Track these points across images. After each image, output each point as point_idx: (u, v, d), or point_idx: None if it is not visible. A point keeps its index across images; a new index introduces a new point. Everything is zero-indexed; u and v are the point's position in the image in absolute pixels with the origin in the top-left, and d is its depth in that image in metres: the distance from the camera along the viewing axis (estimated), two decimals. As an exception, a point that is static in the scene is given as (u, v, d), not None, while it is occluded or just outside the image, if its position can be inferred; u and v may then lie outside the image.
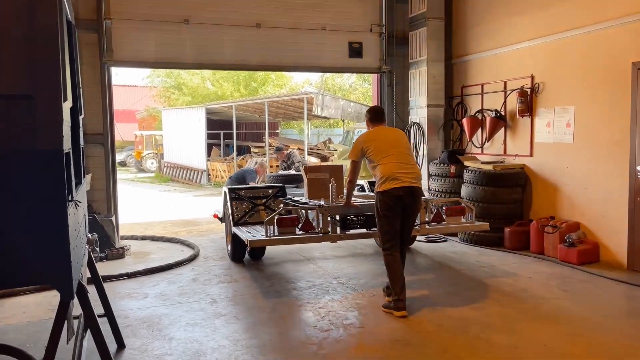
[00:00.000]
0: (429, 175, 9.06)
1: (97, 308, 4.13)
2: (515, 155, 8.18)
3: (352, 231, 6.01)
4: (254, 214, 6.84)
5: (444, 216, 6.24)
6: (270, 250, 7.57)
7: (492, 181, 7.74)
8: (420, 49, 9.36)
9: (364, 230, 6.02)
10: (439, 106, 9.36)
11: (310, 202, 6.49)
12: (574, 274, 6.30)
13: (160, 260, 7.31)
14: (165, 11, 8.56)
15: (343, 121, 23.13)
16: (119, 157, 33.61)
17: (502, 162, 8.21)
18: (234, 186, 7.52)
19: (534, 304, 5.25)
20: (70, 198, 2.80)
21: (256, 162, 11.89)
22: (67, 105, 2.86)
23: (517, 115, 7.97)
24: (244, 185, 8.60)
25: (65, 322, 3.02)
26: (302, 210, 6.06)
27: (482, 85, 8.86)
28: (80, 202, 3.48)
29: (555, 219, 7.27)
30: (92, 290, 3.82)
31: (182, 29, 8.66)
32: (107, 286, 6.11)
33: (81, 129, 4.11)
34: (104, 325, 4.07)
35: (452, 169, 8.51)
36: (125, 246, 8.08)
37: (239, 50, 9.03)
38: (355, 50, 9.65)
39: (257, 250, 7.08)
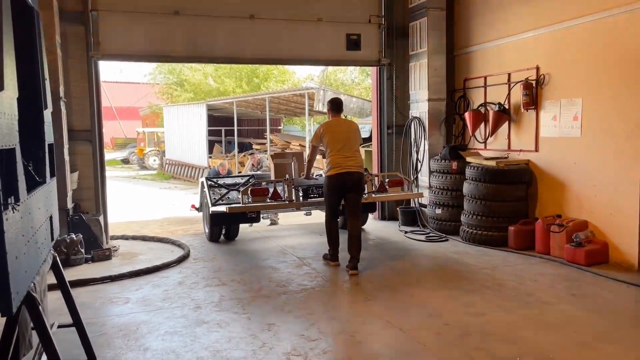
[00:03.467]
0: (430, 172, 8.71)
1: (66, 317, 3.84)
2: (520, 151, 7.81)
3: (311, 199, 7.54)
4: (229, 198, 7.87)
5: (387, 187, 7.85)
6: (262, 244, 7.27)
7: (495, 178, 7.38)
8: (420, 40, 8.99)
9: (322, 199, 7.18)
10: (441, 100, 8.99)
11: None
12: (582, 276, 5.94)
13: (147, 262, 7.00)
14: (155, 2, 8.23)
15: (345, 116, 22.73)
16: (122, 154, 33.53)
17: (505, 157, 7.85)
18: (209, 177, 8.93)
19: (540, 309, 4.89)
20: (10, 201, 2.48)
21: (220, 164, 12.90)
22: (3, 95, 2.52)
23: (521, 108, 7.60)
24: (219, 176, 9.82)
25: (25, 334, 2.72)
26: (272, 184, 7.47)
27: (485, 78, 8.48)
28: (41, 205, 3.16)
29: (562, 218, 6.90)
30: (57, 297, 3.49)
31: (173, 21, 8.33)
32: (88, 290, 5.86)
33: (50, 124, 3.79)
34: (73, 335, 3.78)
35: (454, 165, 8.15)
36: (114, 247, 7.78)
37: (232, 43, 8.70)
38: (353, 42, 9.29)
39: (232, 231, 8.30)
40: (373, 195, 7.77)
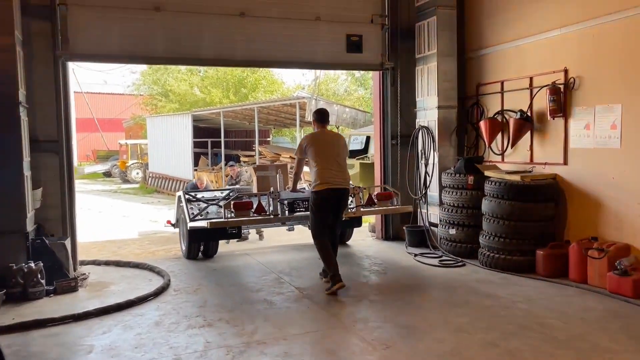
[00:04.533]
0: (442, 187, 7.80)
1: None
2: (545, 164, 6.94)
3: (297, 213, 7.09)
4: (208, 212, 7.40)
5: (375, 200, 7.40)
6: (247, 265, 6.29)
7: (519, 194, 6.49)
8: (429, 42, 8.13)
9: (307, 213, 6.63)
10: (451, 107, 8.12)
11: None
12: (635, 312, 5.04)
13: (120, 295, 5.97)
14: (132, -4, 7.28)
15: (337, 127, 21.86)
16: (104, 167, 32.34)
17: (530, 171, 6.97)
18: (186, 190, 8.36)
19: None
20: None
21: (198, 178, 12.46)
22: None
23: (547, 116, 6.73)
24: (197, 190, 9.22)
25: None
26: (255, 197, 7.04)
27: (502, 83, 7.63)
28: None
29: (598, 240, 6.01)
30: None
31: (153, 18, 7.36)
32: (44, 334, 4.77)
33: None
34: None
35: (470, 179, 7.26)
36: (83, 275, 6.74)
37: (219, 43, 7.76)
38: (354, 44, 8.40)
39: (211, 247, 7.90)
40: (361, 209, 7.36)
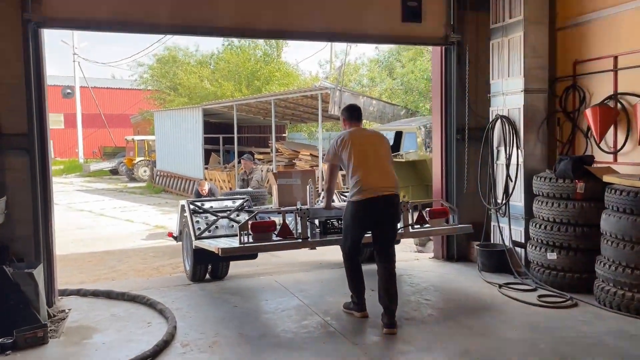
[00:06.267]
0: (533, 196, 5.95)
1: None
2: (687, 166, 5.08)
3: (331, 237, 5.46)
4: (217, 227, 6.09)
5: (427, 218, 5.85)
6: (275, 295, 4.50)
7: (662, 209, 4.64)
8: (510, 6, 6.27)
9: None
10: (541, 91, 6.26)
11: (283, 209, 5.70)
12: None
13: (105, 352, 4.21)
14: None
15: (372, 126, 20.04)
16: (110, 164, 30.74)
17: (668, 176, 5.11)
18: (192, 199, 7.00)
19: None
20: None
21: (199, 183, 11.45)
22: None
23: (695, 100, 4.88)
24: (204, 198, 8.23)
25: None
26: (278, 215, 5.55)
27: (615, 58, 5.74)
28: None
29: None
30: None
31: (154, -28, 5.60)
32: None
33: None
34: None
35: (580, 187, 5.39)
36: (61, 312, 5.04)
37: (241, 8, 5.97)
38: (412, 11, 6.55)
39: (221, 269, 6.43)
40: (410, 230, 5.76)
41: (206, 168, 19.26)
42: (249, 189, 10.31)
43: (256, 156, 19.88)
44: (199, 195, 10.59)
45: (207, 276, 6.43)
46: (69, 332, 4.73)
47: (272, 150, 17.85)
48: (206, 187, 10.77)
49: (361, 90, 19.76)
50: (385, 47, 21.14)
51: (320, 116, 15.95)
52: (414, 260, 7.18)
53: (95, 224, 13.55)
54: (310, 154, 16.65)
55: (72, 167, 33.45)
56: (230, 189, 18.10)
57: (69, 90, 38.03)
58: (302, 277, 6.40)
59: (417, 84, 17.29)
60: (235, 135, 19.05)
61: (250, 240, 5.11)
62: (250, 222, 5.15)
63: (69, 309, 5.30)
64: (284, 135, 23.05)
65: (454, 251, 7.00)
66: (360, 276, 4.91)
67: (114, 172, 29.84)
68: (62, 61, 74.76)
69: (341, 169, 5.02)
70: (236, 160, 18.68)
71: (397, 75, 18.81)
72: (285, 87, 24.77)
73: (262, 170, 14.35)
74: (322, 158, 15.73)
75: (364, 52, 57.86)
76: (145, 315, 5.12)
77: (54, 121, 41.62)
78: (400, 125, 14.05)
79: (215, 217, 6.17)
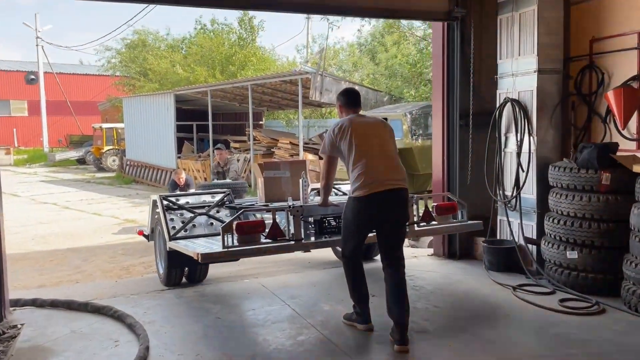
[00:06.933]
0: (548, 187, 5.38)
1: None
2: None
3: (328, 238, 4.79)
4: (194, 226, 5.39)
5: (434, 214, 5.24)
6: (261, 300, 3.83)
7: None
8: (522, -23, 5.66)
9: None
10: (555, 72, 5.67)
11: (271, 205, 5.17)
12: None
13: (62, 383, 3.48)
14: None
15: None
16: (77, 154, 29.40)
17: None
18: (165, 194, 6.06)
19: None
20: None
21: (175, 172, 10.71)
22: None
23: None
24: (178, 193, 7.78)
25: None
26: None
27: (640, 35, 5.20)
28: None
29: None
30: None
31: None
32: None
33: None
34: None
35: (605, 177, 4.83)
36: (12, 328, 4.24)
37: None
38: (412, -18, 5.90)
39: (198, 271, 5.67)
40: (416, 228, 5.09)
41: (179, 157, 18.35)
42: (228, 180, 9.61)
43: (232, 145, 19.06)
44: (175, 185, 9.87)
45: (184, 279, 5.72)
46: (19, 355, 3.96)
47: (249, 138, 17.05)
48: (183, 176, 10.03)
49: (342, 76, 19.02)
50: (369, 30, 20.45)
51: (300, 103, 15.22)
52: (412, 257, 6.56)
53: (59, 217, 12.61)
54: (290, 142, 15.91)
55: (36, 157, 32.02)
56: (205, 179, 17.27)
57: (32, 76, 36.45)
58: (291, 280, 5.72)
59: (401, 69, 16.66)
60: (210, 123, 18.17)
61: (235, 243, 4.40)
62: (234, 223, 4.45)
63: (22, 324, 4.51)
64: (260, 122, 22.22)
65: (456, 248, 6.41)
66: (362, 283, 4.27)
67: (81, 161, 28.61)
68: (26, 46, 71.93)
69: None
70: (211, 149, 17.83)
71: (380, 60, 18.11)
72: (262, 72, 23.91)
73: (238, 160, 13.59)
74: (303, 147, 15.02)
75: (342, 37, 56.94)
76: (112, 332, 4.37)
77: (17, 108, 39.87)
78: (385, 112, 13.43)
79: (192, 214, 5.44)
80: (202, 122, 19.69)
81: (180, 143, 19.31)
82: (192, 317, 4.67)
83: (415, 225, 5.10)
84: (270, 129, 20.58)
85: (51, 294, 5.74)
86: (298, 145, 15.14)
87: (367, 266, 4.42)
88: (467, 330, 4.24)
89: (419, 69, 16.55)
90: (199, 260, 4.48)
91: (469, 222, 5.42)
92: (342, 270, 4.29)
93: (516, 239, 5.75)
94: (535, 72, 5.57)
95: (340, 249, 4.63)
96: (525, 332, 4.24)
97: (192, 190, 9.92)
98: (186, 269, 5.64)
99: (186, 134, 20.62)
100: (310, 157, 15.25)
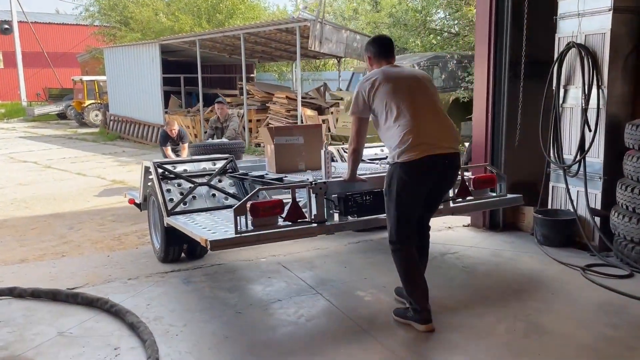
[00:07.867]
0: (622, 150, 4.55)
1: None
2: None
3: (355, 217, 4.00)
4: (194, 197, 4.72)
5: (471, 188, 4.44)
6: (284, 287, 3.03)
7: None
8: None
9: (373, 216, 4.02)
10: (632, 12, 4.75)
11: (285, 177, 4.44)
12: None
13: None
14: None
15: (339, 61, 18.20)
16: (58, 108, 27.95)
17: None
18: (159, 160, 5.31)
19: None
20: None
21: (167, 123, 9.74)
22: None
23: None
24: (174, 159, 7.33)
25: None
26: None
27: None
28: None
29: None
30: None
31: None
32: None
33: None
34: None
35: None
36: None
37: None
38: None
39: (200, 247, 4.77)
40: (451, 204, 4.38)
41: (166, 112, 17.22)
42: (224, 139, 8.67)
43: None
44: (167, 137, 9.00)
45: (183, 254, 4.96)
46: (-8, 370, 3.12)
47: (241, 92, 15.91)
48: (176, 128, 9.09)
49: (343, 23, 17.77)
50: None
51: (298, 53, 14.07)
52: (447, 229, 5.77)
53: (40, 178, 11.58)
54: (287, 97, 14.83)
55: (14, 111, 30.48)
56: (196, 136, 16.24)
57: (6, 26, 34.47)
58: (315, 260, 4.89)
59: (406, 17, 15.48)
60: (200, 75, 16.94)
61: (250, 226, 3.63)
62: (249, 203, 3.62)
63: (-8, 326, 3.66)
64: (252, 75, 20.98)
65: (498, 218, 5.61)
66: (419, 273, 3.51)
67: (61, 116, 27.25)
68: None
69: None
70: (201, 103, 16.68)
71: (382, 8, 16.85)
72: (251, 21, 22.47)
73: (239, 115, 12.56)
74: (301, 102, 14.01)
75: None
76: (110, 333, 3.52)
77: (-9, 60, 37.85)
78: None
79: (191, 185, 4.69)
80: (190, 75, 18.44)
81: (167, 97, 18.13)
82: (206, 312, 3.83)
83: (451, 201, 4.37)
84: (263, 82, 19.42)
85: (34, 272, 4.97)
86: (295, 99, 14.10)
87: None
88: (548, 330, 3.44)
89: (423, 17, 15.41)
90: (209, 248, 3.67)
91: (509, 196, 4.69)
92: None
93: (581, 212, 4.95)
94: (610, 10, 4.63)
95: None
96: (616, 328, 3.47)
97: (186, 145, 9.04)
98: (185, 245, 4.93)
99: (173, 87, 19.38)
100: (308, 112, 14.25)
